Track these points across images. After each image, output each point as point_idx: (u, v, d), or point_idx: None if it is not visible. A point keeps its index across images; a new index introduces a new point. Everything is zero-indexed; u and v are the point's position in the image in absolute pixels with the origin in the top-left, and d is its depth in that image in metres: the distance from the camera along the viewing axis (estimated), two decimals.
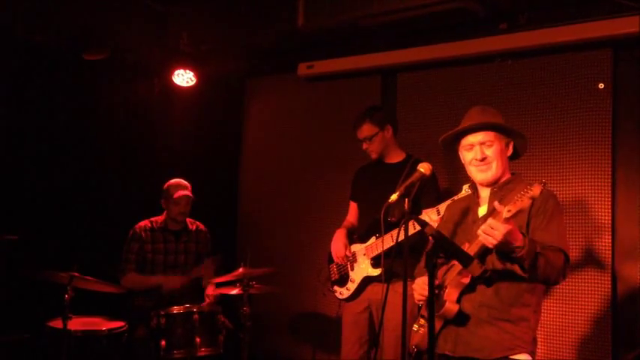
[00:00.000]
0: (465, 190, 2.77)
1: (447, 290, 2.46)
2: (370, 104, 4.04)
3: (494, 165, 2.53)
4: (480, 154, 2.53)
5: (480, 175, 2.56)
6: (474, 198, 2.66)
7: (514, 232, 2.20)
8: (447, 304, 2.42)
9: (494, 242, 2.19)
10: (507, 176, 2.60)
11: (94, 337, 3.55)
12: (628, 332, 3.53)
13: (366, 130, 3.67)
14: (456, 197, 2.90)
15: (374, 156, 3.71)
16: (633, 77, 3.58)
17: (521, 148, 2.64)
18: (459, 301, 2.45)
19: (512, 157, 2.64)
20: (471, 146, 2.56)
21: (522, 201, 2.21)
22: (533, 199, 2.22)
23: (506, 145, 2.58)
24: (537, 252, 2.25)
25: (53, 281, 3.46)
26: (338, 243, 3.74)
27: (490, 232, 2.18)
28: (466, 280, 2.42)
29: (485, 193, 2.61)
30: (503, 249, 2.24)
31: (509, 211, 2.19)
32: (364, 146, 3.72)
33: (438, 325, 2.48)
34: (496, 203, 2.24)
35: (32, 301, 3.98)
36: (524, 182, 2.57)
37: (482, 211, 2.59)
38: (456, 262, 2.44)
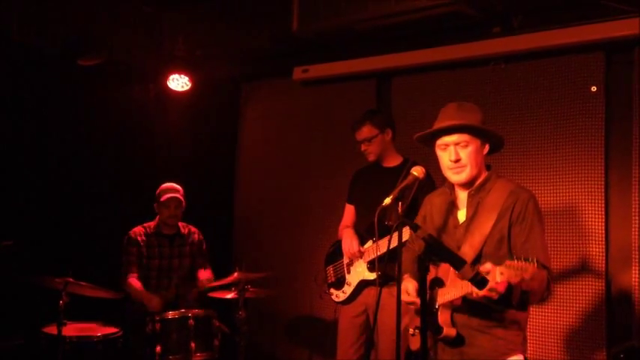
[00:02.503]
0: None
1: (439, 312, 2.43)
2: (365, 108, 4.05)
3: (468, 168, 2.47)
4: (454, 155, 2.46)
5: (455, 177, 2.50)
6: (452, 198, 2.60)
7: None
8: (445, 329, 2.40)
9: (496, 298, 2.20)
10: (483, 175, 2.54)
11: (88, 342, 3.55)
12: (622, 336, 3.53)
13: (366, 131, 3.66)
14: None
15: (372, 158, 3.70)
16: (626, 80, 3.59)
17: (499, 144, 2.58)
18: (452, 320, 2.43)
19: (489, 153, 2.56)
20: (446, 146, 2.49)
21: (516, 275, 2.08)
22: (524, 279, 2.10)
23: (482, 144, 2.51)
24: (523, 290, 2.24)
25: (48, 287, 3.46)
26: (351, 240, 3.67)
27: (492, 295, 2.18)
28: (458, 303, 2.41)
29: (462, 195, 2.56)
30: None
31: (501, 273, 2.10)
32: (363, 147, 3.70)
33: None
34: (487, 265, 2.16)
35: (27, 306, 3.97)
36: (500, 181, 2.54)
37: (461, 215, 2.55)
38: (445, 284, 2.42)
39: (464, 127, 2.46)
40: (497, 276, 2.10)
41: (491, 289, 2.14)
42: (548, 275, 2.36)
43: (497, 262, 2.37)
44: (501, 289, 2.13)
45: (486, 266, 2.16)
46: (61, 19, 4.30)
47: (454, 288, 2.38)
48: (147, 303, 3.98)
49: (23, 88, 4.37)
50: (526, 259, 2.08)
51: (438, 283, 2.49)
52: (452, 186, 2.60)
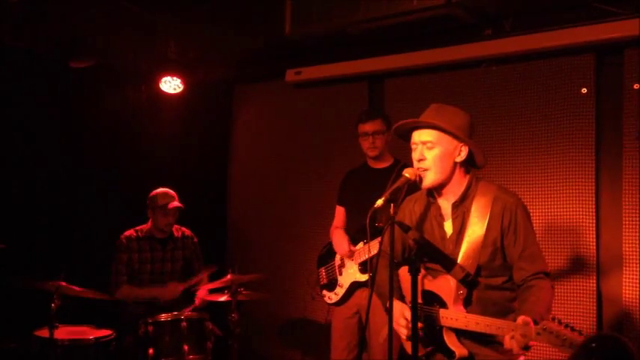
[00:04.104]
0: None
1: (444, 334, 2.37)
2: (357, 110, 4.06)
3: (430, 172, 2.37)
4: (419, 155, 2.38)
5: (422, 181, 2.41)
6: (436, 209, 2.50)
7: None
8: (457, 352, 2.35)
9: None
10: (464, 183, 2.43)
11: (81, 346, 3.53)
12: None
13: (379, 124, 3.66)
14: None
15: (375, 153, 3.68)
16: (615, 82, 3.61)
17: (479, 155, 2.44)
18: (459, 340, 2.37)
19: (471, 164, 2.46)
20: (416, 145, 2.41)
21: (557, 344, 2.01)
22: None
23: (457, 149, 2.39)
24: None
25: (40, 290, 3.44)
26: (342, 240, 3.69)
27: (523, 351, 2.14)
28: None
29: (445, 204, 2.47)
30: None
31: (538, 334, 2.05)
32: (369, 140, 3.66)
33: None
34: (527, 319, 2.09)
35: (19, 310, 3.95)
36: (482, 185, 2.44)
37: (447, 227, 2.46)
38: (447, 304, 2.38)
39: (423, 125, 2.39)
40: (534, 337, 2.04)
41: (526, 347, 2.09)
42: (551, 282, 2.34)
43: (492, 274, 2.38)
44: (533, 343, 2.08)
45: (525, 319, 2.10)
46: (53, 21, 4.28)
47: (465, 319, 2.30)
48: (162, 295, 3.99)
49: (15, 90, 4.35)
50: (573, 329, 1.99)
51: (438, 300, 2.41)
52: (434, 194, 2.51)
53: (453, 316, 2.35)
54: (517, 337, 2.09)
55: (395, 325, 2.43)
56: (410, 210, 2.62)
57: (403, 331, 2.44)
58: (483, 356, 2.37)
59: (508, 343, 2.14)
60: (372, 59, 4.46)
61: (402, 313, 2.44)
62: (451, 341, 2.37)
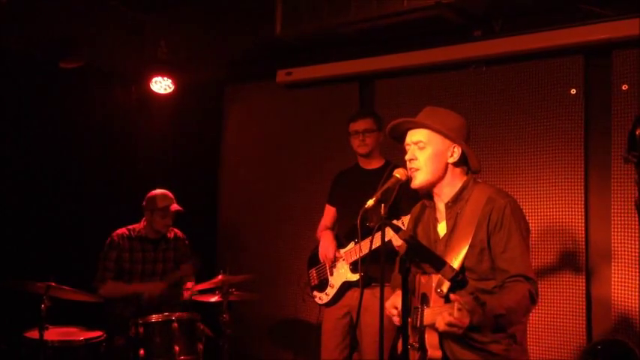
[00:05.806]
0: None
1: (426, 332, 2.33)
2: (348, 111, 4.08)
3: (420, 172, 2.39)
4: (410, 155, 2.40)
5: (412, 181, 2.42)
6: (432, 211, 2.52)
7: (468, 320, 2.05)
8: (430, 351, 2.30)
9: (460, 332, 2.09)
10: (457, 185, 2.42)
11: (71, 347, 3.51)
12: (602, 333, 3.58)
13: (369, 123, 3.68)
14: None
15: (365, 150, 3.69)
16: (603, 82, 3.65)
17: (472, 158, 2.43)
18: (441, 342, 2.31)
19: (463, 163, 2.43)
20: (409, 146, 2.43)
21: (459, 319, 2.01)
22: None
23: (449, 150, 2.40)
24: (496, 315, 2.09)
25: (30, 291, 3.43)
26: (327, 245, 3.72)
27: (455, 330, 2.07)
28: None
29: (441, 206, 2.46)
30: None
31: (459, 309, 2.01)
32: (359, 138, 3.67)
33: None
34: (452, 297, 2.10)
35: (8, 311, 3.92)
36: (478, 187, 2.42)
37: (441, 228, 2.46)
38: (429, 303, 2.36)
39: (415, 125, 2.40)
40: (456, 313, 1.99)
41: (450, 324, 2.04)
42: (530, 287, 2.23)
43: (482, 277, 2.34)
44: (464, 323, 2.02)
45: (454, 297, 2.08)
46: (43, 22, 4.26)
47: (432, 313, 2.29)
48: (145, 290, 4.00)
49: (3, 90, 4.32)
50: (478, 300, 1.99)
51: (426, 301, 2.40)
52: (431, 197, 2.52)
53: (429, 312, 2.33)
54: (444, 314, 2.07)
55: (387, 312, 2.42)
56: (413, 213, 2.68)
57: (395, 319, 2.43)
58: None
59: (437, 322, 2.12)
60: (363, 60, 4.47)
61: (393, 302, 2.43)
62: (430, 342, 2.33)
